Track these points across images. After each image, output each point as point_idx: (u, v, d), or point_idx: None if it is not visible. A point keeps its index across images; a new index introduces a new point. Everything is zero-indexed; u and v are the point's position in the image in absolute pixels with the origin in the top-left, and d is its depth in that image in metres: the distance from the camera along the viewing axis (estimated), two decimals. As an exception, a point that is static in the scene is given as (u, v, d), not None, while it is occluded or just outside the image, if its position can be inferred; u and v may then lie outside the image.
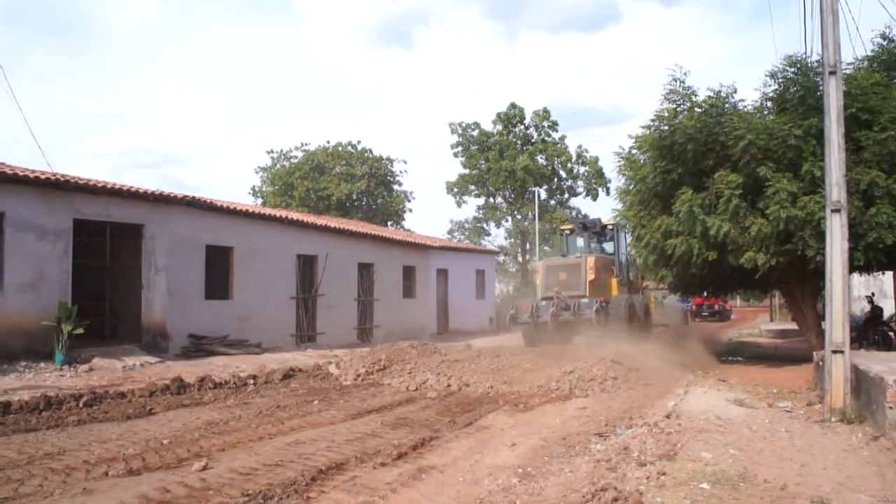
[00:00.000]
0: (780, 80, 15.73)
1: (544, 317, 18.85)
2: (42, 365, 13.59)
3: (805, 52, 15.25)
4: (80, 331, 14.24)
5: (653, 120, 16.41)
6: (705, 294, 26.92)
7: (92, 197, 16.15)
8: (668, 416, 9.53)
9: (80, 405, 10.30)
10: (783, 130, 14.30)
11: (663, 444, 7.69)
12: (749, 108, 16.29)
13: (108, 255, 16.73)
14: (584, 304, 18.84)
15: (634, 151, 17.58)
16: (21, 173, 15.04)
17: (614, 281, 20.59)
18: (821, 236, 11.56)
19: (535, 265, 26.71)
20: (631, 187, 17.77)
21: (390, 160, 48.91)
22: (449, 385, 13.60)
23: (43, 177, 15.41)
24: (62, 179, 15.81)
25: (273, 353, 17.74)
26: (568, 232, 22.53)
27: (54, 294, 14.88)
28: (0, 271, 14.32)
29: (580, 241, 21.86)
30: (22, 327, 14.24)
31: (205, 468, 6.87)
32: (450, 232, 51.90)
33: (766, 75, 15.96)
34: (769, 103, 16.29)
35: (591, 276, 19.52)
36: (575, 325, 18.73)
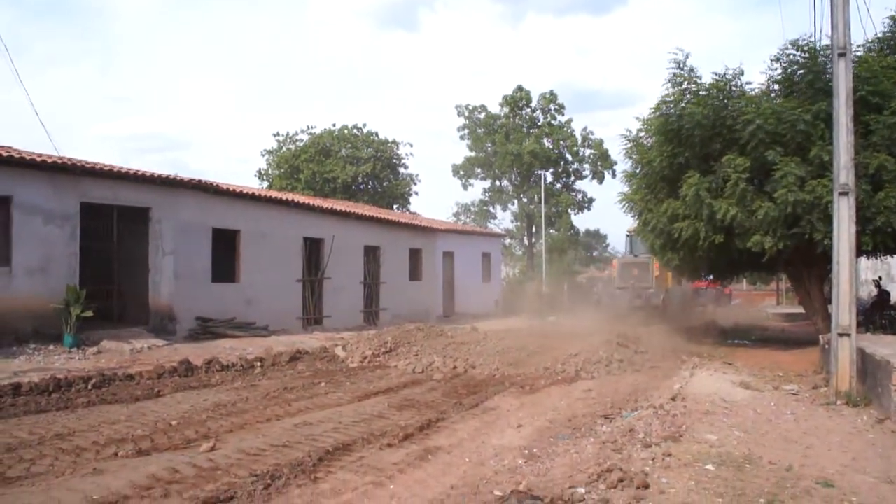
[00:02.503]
0: (786, 64, 15.64)
1: (621, 302, 25.14)
2: (51, 347, 13.68)
3: (814, 35, 15.16)
4: (88, 314, 14.30)
5: (659, 104, 16.36)
6: (708, 277, 27.08)
7: (99, 180, 16.17)
8: (673, 399, 9.57)
9: (89, 387, 10.37)
10: (792, 115, 14.22)
11: (669, 426, 7.73)
12: (756, 91, 16.20)
13: (115, 239, 16.80)
14: (652, 294, 25.30)
15: (641, 135, 17.54)
16: (28, 157, 15.07)
17: (669, 275, 25.58)
18: (828, 220, 11.55)
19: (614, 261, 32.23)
20: (637, 171, 17.75)
21: (396, 143, 48.78)
22: (455, 367, 13.65)
23: (50, 161, 15.42)
24: (69, 163, 15.82)
25: (280, 335, 17.81)
26: (632, 234, 25.70)
27: (62, 277, 14.94)
28: (8, 255, 14.37)
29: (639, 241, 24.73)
30: (31, 310, 14.32)
31: (213, 449, 6.93)
32: (456, 215, 51.88)
33: (770, 59, 15.90)
34: (776, 86, 16.19)
35: (656, 273, 25.65)
36: (645, 310, 23.97)
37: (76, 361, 12.74)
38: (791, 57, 15.46)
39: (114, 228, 16.75)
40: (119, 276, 17.19)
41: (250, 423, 8.32)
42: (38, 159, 15.19)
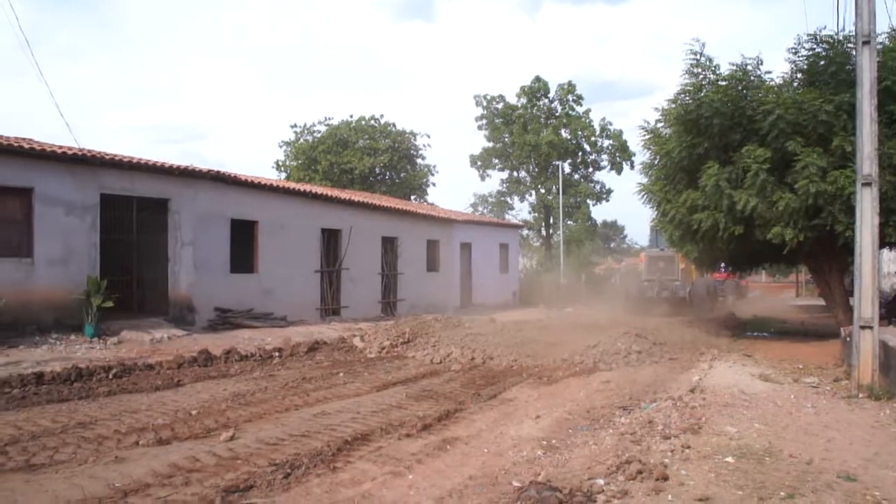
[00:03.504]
0: (807, 54, 15.46)
1: (649, 294, 25.74)
2: (72, 337, 13.81)
3: (836, 24, 14.95)
4: (108, 304, 14.43)
5: (678, 94, 16.23)
6: (727, 269, 27.11)
7: (118, 172, 16.26)
8: (692, 391, 9.52)
9: (111, 376, 10.47)
10: (814, 105, 14.05)
11: (688, 418, 7.69)
12: (777, 80, 16.02)
13: (134, 230, 16.90)
14: (678, 286, 25.93)
15: (660, 125, 17.40)
16: (49, 149, 15.18)
17: (693, 268, 26.85)
18: (850, 211, 11.42)
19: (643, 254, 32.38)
20: (656, 161, 17.62)
21: (413, 134, 48.74)
22: (473, 358, 13.65)
23: (70, 152, 15.54)
24: (89, 154, 15.94)
25: (298, 326, 17.88)
26: (659, 228, 25.53)
27: (83, 268, 15.06)
28: (30, 246, 14.51)
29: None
30: (52, 301, 14.46)
31: (232, 438, 6.97)
32: (473, 206, 51.78)
33: (789, 51, 15.72)
34: (798, 75, 16.00)
35: (681, 266, 26.72)
36: (671, 302, 25.06)
37: (97, 351, 12.86)
38: (813, 50, 15.27)
39: (133, 219, 16.86)
40: (138, 266, 17.31)
41: (269, 413, 8.37)
42: (59, 151, 15.30)
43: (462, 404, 9.18)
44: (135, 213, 16.85)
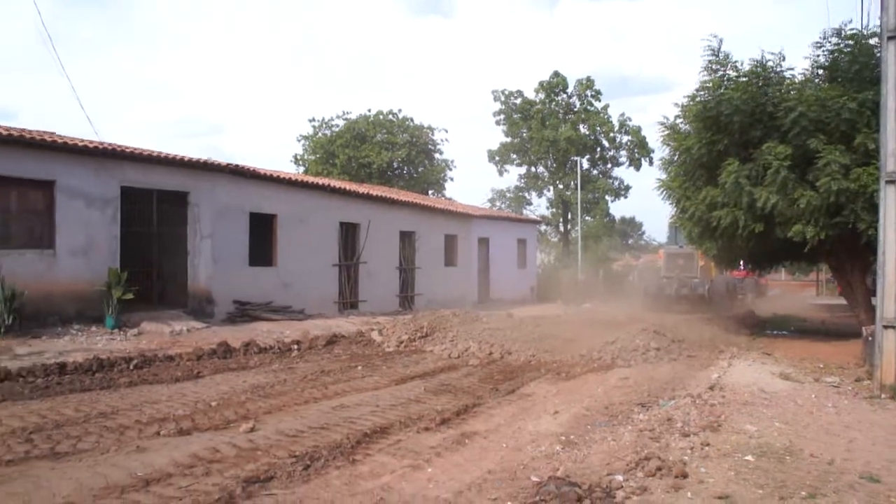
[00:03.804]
0: (830, 50, 15.30)
1: (668, 291, 25.44)
2: (93, 328, 13.94)
3: (861, 20, 14.81)
4: (129, 296, 14.55)
5: (697, 90, 16.12)
6: (746, 267, 26.90)
7: (138, 165, 16.39)
8: (711, 388, 9.47)
9: (131, 367, 10.57)
10: (837, 102, 13.91)
11: (707, 416, 7.66)
12: (799, 77, 15.88)
13: (154, 222, 17.03)
14: (697, 283, 25.73)
15: (679, 121, 17.30)
16: (71, 142, 15.32)
17: (712, 265, 26.07)
18: (874, 209, 11.31)
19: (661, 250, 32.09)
20: (675, 158, 17.51)
21: (431, 129, 48.73)
22: (491, 353, 13.65)
23: (91, 145, 15.69)
24: (110, 148, 16.08)
25: (316, 319, 17.94)
26: (678, 225, 24.98)
27: (104, 260, 15.19)
28: (52, 237, 14.65)
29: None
30: (74, 292, 14.60)
31: (252, 430, 7.02)
32: (491, 201, 51.70)
33: (812, 46, 15.56)
34: (820, 71, 15.85)
35: (701, 263, 26.24)
36: (690, 299, 25.02)
37: (118, 342, 12.97)
38: (836, 45, 15.12)
39: (153, 212, 16.98)
40: (158, 259, 17.43)
41: (288, 406, 8.41)
42: (80, 144, 15.45)
43: (480, 399, 9.19)
44: (155, 206, 16.97)
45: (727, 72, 15.88)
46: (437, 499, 5.23)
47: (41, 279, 14.10)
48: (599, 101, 47.33)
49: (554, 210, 49.88)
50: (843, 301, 20.06)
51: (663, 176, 18.28)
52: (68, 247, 14.79)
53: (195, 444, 6.49)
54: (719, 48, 15.99)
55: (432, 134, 48.88)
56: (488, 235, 30.25)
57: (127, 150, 16.43)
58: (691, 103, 16.32)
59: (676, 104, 17.24)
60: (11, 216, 14.26)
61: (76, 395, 8.76)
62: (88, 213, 15.23)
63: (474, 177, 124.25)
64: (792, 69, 15.86)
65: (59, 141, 15.16)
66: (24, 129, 15.34)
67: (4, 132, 14.25)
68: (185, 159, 17.52)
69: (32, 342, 12.22)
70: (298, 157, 48.48)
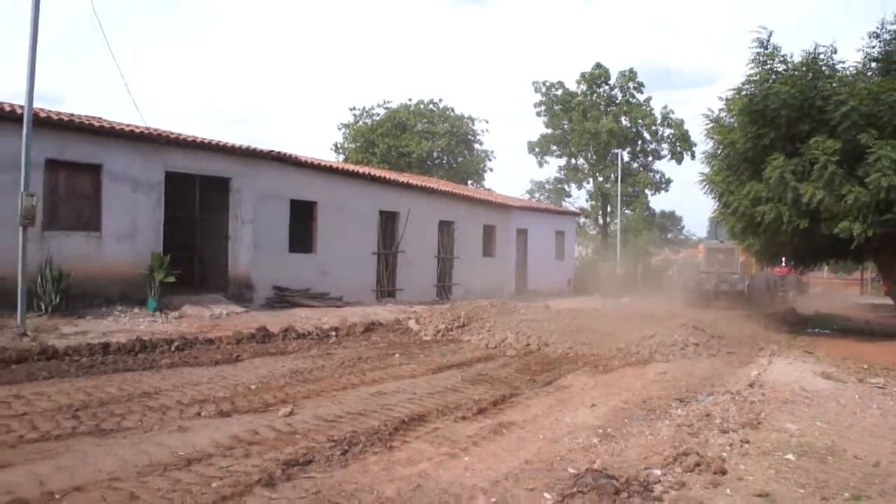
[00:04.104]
0: (886, 40, 14.92)
1: (707, 286, 25.31)
2: (136, 310, 14.19)
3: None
4: (171, 279, 14.80)
5: (744, 83, 15.85)
6: (788, 264, 26.38)
7: (183, 150, 16.63)
8: (751, 385, 9.35)
9: (172, 349, 10.74)
10: (891, 96, 13.56)
11: (746, 413, 7.56)
12: (851, 69, 15.51)
13: (197, 207, 17.27)
14: (736, 279, 25.59)
15: (724, 115, 17.04)
16: (118, 127, 15.59)
17: (752, 261, 25.47)
18: (926, 206, 11.02)
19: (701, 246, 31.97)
20: (719, 152, 17.27)
21: (472, 119, 48.68)
22: (528, 344, 13.62)
23: (137, 131, 15.94)
24: (155, 133, 16.33)
25: (354, 306, 18.07)
26: (720, 220, 24.82)
27: (148, 243, 15.46)
28: (98, 220, 14.94)
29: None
30: (118, 274, 14.89)
31: (291, 414, 7.09)
32: (530, 192, 51.55)
33: (868, 36, 15.18)
34: (874, 64, 15.47)
35: (741, 259, 26.03)
36: (730, 295, 24.82)
37: (159, 325, 13.20)
38: (894, 36, 14.74)
39: (196, 197, 17.22)
40: (200, 243, 17.69)
41: (326, 391, 8.48)
42: (127, 129, 15.70)
43: (517, 389, 9.17)
44: (198, 192, 17.22)
45: (775, 65, 15.60)
46: (474, 487, 5.23)
47: (87, 261, 14.40)
48: (642, 93, 46.90)
49: (593, 202, 49.55)
50: (889, 301, 19.63)
51: (706, 170, 18.06)
52: (114, 230, 15.07)
53: (235, 426, 6.58)
54: (768, 40, 15.72)
55: (472, 124, 48.85)
56: (527, 227, 30.15)
57: (171, 135, 16.69)
58: (737, 96, 16.06)
59: (721, 97, 17.01)
60: (60, 199, 14.57)
61: (119, 374, 8.93)
62: (134, 197, 15.50)
63: (513, 168, 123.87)
64: (843, 62, 15.53)
65: (107, 126, 15.44)
66: (72, 114, 15.64)
67: (55, 116, 14.54)
68: (229, 146, 17.73)
69: (78, 322, 12.49)
70: (338, 146, 48.78)
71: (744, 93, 15.78)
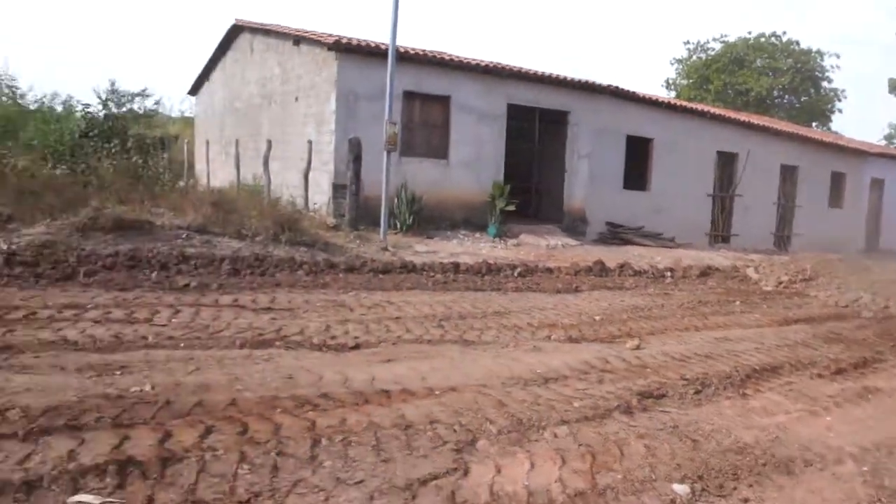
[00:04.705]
0: None
1: None
2: (477, 235, 15.07)
3: None
4: (510, 208, 15.47)
5: None
6: None
7: (524, 84, 17.11)
8: None
9: (515, 275, 11.20)
10: None
11: None
12: None
13: (536, 140, 17.74)
14: None
15: None
16: (465, 61, 16.42)
17: None
18: None
19: None
20: None
21: (820, 53, 43.99)
22: (887, 307, 12.16)
23: (482, 64, 16.64)
24: (498, 67, 16.93)
25: (686, 248, 17.50)
26: None
27: (489, 173, 16.26)
28: (446, 149, 16.00)
29: None
30: (462, 200, 15.88)
31: (637, 348, 7.04)
32: (887, 137, 45.69)
33: None
34: None
35: None
36: None
37: (498, 250, 13.86)
38: None
39: (535, 130, 17.69)
40: (537, 175, 18.22)
41: (669, 329, 8.31)
42: (473, 63, 16.46)
43: (880, 354, 8.24)
44: (537, 124, 17.66)
45: None
46: (840, 449, 4.81)
47: (436, 186, 15.52)
48: None
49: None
50: None
51: None
52: (459, 158, 16.04)
53: (584, 352, 6.69)
54: None
55: (821, 59, 44.15)
56: (883, 176, 26.85)
57: (514, 69, 17.19)
58: None
59: None
60: (414, 127, 15.79)
61: (471, 293, 9.49)
62: (478, 127, 16.31)
63: (866, 110, 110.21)
64: None
65: (455, 59, 16.32)
66: (426, 50, 16.76)
67: (412, 52, 15.67)
68: (568, 79, 17.87)
69: (427, 241, 13.58)
70: (670, 82, 47.05)
71: None
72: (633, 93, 19.14)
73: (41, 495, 3.14)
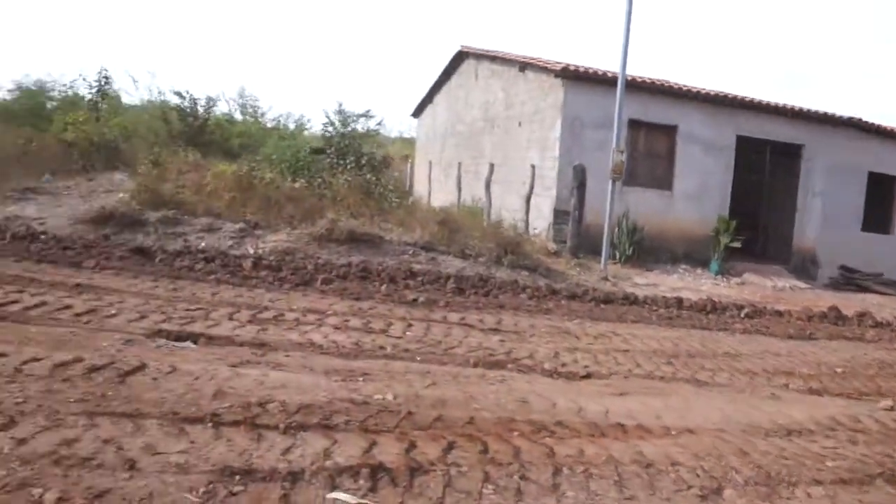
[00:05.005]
0: None
1: None
2: (698, 271, 14.52)
3: None
4: (735, 244, 14.77)
5: None
6: None
7: (754, 114, 16.38)
8: None
9: (741, 315, 10.61)
10: None
11: None
12: None
13: (766, 174, 16.85)
14: None
15: None
16: (693, 90, 15.95)
17: None
18: None
19: None
20: None
21: None
22: None
23: (711, 94, 16.08)
24: (726, 97, 16.27)
25: (934, 302, 15.78)
26: None
27: (714, 206, 15.63)
28: (671, 180, 15.57)
29: None
30: (684, 233, 15.38)
31: (892, 409, 6.41)
32: None
33: None
34: None
35: None
36: None
37: (722, 288, 13.26)
38: None
39: (765, 163, 16.81)
40: (765, 211, 17.28)
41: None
42: (702, 92, 15.96)
43: None
44: (767, 157, 16.79)
45: None
46: None
47: (657, 217, 15.15)
48: None
49: None
50: None
51: None
52: (684, 189, 15.56)
53: (829, 406, 6.18)
54: None
55: None
56: None
57: (744, 99, 16.48)
58: None
59: None
60: (638, 156, 15.54)
61: (697, 331, 9.10)
62: (704, 158, 15.76)
63: None
64: None
65: (683, 88, 15.89)
66: (653, 78, 16.44)
67: (639, 79, 15.42)
68: (802, 110, 16.85)
69: (646, 274, 13.28)
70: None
71: None
72: (877, 125, 17.63)
73: (303, 487, 3.38)
